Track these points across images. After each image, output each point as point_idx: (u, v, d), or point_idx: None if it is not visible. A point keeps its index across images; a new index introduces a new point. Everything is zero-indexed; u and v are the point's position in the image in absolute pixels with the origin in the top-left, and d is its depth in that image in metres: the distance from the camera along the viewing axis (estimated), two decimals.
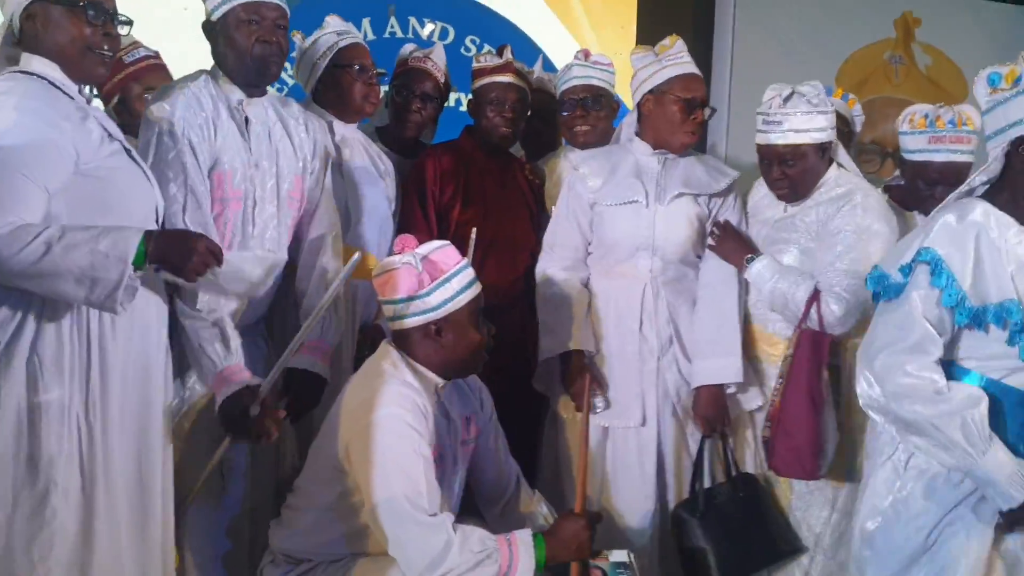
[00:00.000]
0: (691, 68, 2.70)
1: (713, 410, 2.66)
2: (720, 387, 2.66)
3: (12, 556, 1.84)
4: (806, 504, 2.64)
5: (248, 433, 2.18)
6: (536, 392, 2.89)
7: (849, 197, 2.52)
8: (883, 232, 2.49)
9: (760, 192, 2.76)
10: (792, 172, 2.56)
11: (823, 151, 2.58)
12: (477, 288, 2.27)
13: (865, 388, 2.06)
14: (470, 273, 2.27)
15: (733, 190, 2.81)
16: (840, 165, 2.64)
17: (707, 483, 2.71)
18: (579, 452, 2.40)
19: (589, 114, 2.96)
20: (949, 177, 2.60)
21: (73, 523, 1.89)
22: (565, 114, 2.99)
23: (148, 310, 2.03)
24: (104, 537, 1.93)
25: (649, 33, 3.90)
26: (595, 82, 2.98)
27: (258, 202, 2.35)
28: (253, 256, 2.15)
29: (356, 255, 2.20)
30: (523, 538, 2.14)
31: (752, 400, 2.71)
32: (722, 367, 2.66)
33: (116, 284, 1.80)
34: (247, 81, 2.34)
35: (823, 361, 2.45)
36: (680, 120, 2.67)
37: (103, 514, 1.93)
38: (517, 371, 2.87)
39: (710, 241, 2.72)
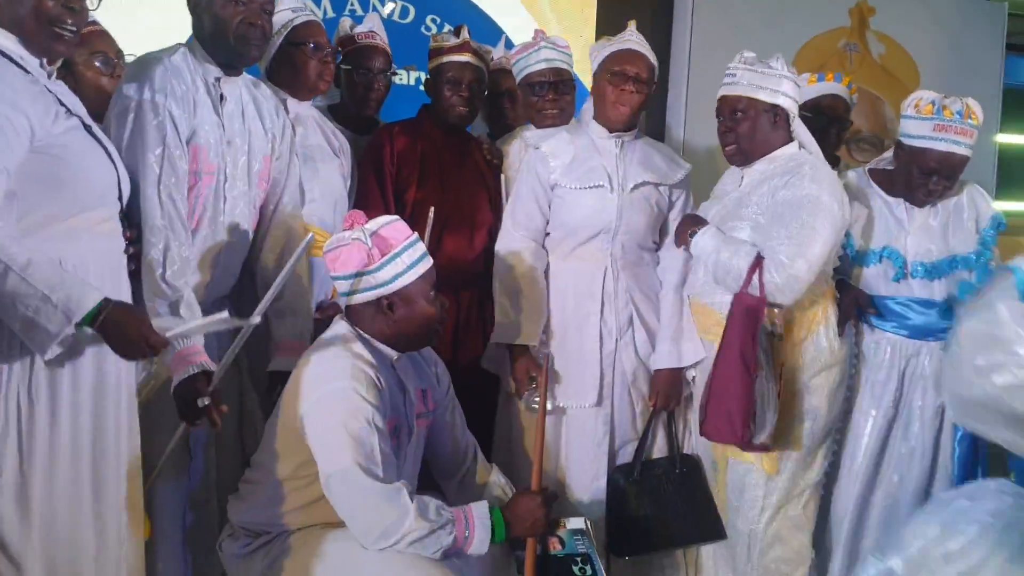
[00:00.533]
0: (629, 45, 2.73)
1: (670, 389, 2.75)
2: (679, 369, 2.75)
3: None
4: (739, 495, 2.66)
5: (197, 418, 2.19)
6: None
7: (798, 169, 2.53)
8: (830, 205, 2.48)
9: (725, 175, 2.81)
10: (739, 128, 2.59)
11: (775, 116, 2.58)
12: (428, 262, 2.29)
13: None
14: (420, 247, 2.28)
15: (688, 182, 2.87)
16: (802, 146, 2.63)
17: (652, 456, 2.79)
18: (536, 432, 2.44)
19: (560, 97, 2.97)
20: (947, 168, 2.63)
21: (8, 502, 1.88)
22: (535, 98, 2.99)
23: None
24: (43, 517, 1.92)
25: (609, 16, 3.93)
26: (562, 65, 2.99)
27: (229, 178, 2.36)
28: (202, 324, 2.11)
29: (308, 236, 2.22)
30: (479, 511, 2.17)
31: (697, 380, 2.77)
32: (682, 351, 2.75)
33: (52, 336, 1.80)
34: (226, 60, 2.34)
35: (757, 325, 2.46)
36: (611, 93, 2.70)
37: (41, 495, 1.91)
38: (474, 348, 2.90)
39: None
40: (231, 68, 2.36)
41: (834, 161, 3.02)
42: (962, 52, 4.07)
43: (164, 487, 2.33)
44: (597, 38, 3.84)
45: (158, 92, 2.19)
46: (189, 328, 2.05)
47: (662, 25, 3.98)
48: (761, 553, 2.64)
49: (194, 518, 2.43)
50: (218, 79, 2.34)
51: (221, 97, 2.35)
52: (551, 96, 2.97)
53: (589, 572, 2.28)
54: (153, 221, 2.17)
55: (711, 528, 2.71)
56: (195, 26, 2.35)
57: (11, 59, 1.86)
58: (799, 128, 2.63)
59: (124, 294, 2.04)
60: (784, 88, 2.56)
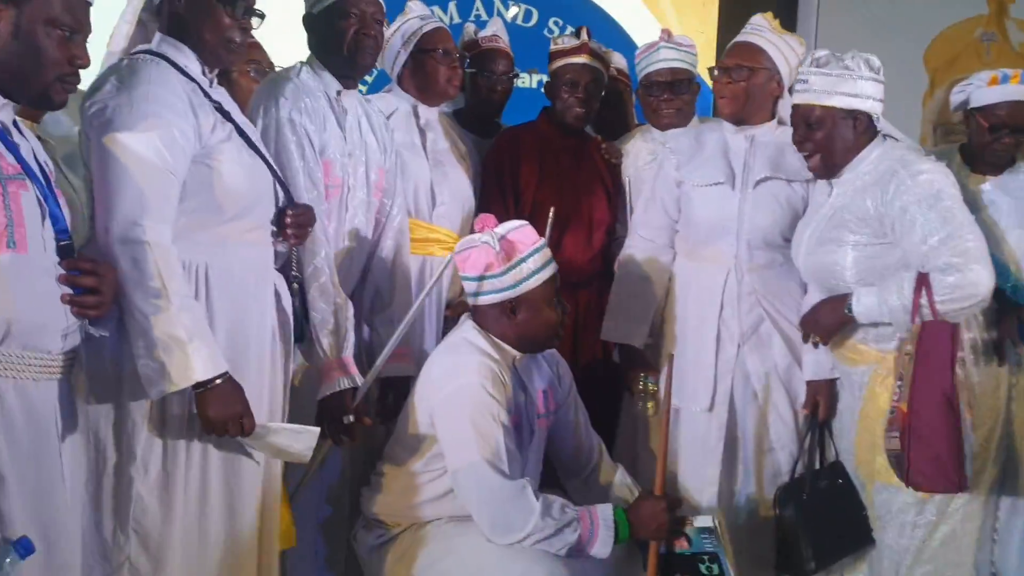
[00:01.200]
0: (741, 37, 2.69)
1: (828, 401, 2.63)
2: (832, 380, 2.62)
3: None
4: (888, 514, 2.49)
5: (337, 434, 2.28)
6: (614, 366, 2.94)
7: (894, 173, 2.33)
8: (945, 186, 2.30)
9: (814, 186, 2.62)
10: (816, 139, 2.40)
11: (855, 121, 2.39)
12: (553, 268, 2.34)
13: None
14: (546, 253, 2.34)
15: None
16: (887, 136, 2.44)
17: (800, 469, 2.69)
18: (659, 435, 2.44)
19: (676, 97, 2.97)
20: (1018, 119, 2.51)
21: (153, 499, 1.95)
22: (651, 98, 3.00)
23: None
24: (184, 518, 1.97)
25: (731, 13, 3.89)
26: (681, 64, 2.97)
27: (351, 188, 2.46)
28: (287, 431, 2.04)
29: (448, 258, 2.34)
30: (603, 513, 2.21)
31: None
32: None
33: (169, 383, 1.81)
34: (343, 72, 2.44)
35: (954, 353, 2.22)
36: (716, 89, 2.69)
37: (183, 497, 1.97)
38: (593, 346, 2.94)
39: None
40: (347, 80, 2.47)
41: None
42: None
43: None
44: (718, 36, 3.84)
45: (293, 110, 2.31)
46: (280, 429, 2.03)
47: (786, 21, 3.88)
48: (909, 570, 2.48)
49: (331, 511, 2.54)
50: (339, 93, 2.44)
51: (343, 110, 2.45)
52: (666, 96, 2.97)
53: (716, 571, 2.27)
54: (314, 232, 2.25)
55: (864, 537, 2.59)
56: (310, 42, 2.46)
57: (178, 67, 1.96)
58: (886, 125, 2.45)
59: (267, 304, 2.09)
60: (863, 89, 2.36)
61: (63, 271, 1.66)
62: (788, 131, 2.55)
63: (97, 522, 1.90)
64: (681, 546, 2.31)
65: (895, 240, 2.33)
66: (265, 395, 2.09)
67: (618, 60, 3.33)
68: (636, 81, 3.14)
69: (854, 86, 2.35)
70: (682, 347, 2.75)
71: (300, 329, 2.20)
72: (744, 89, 2.64)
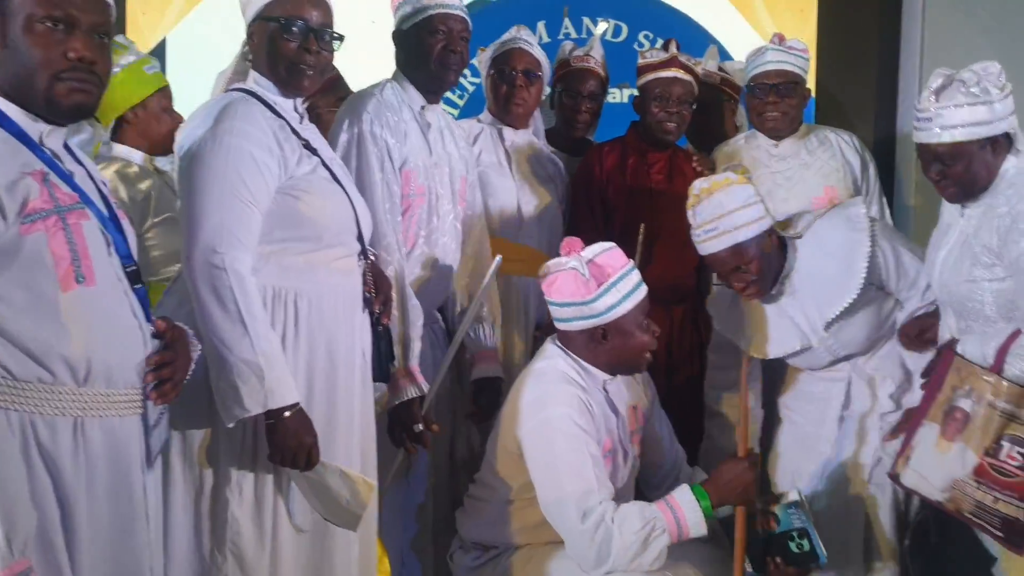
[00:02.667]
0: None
1: None
2: None
3: None
4: None
5: (412, 441, 2.32)
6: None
7: (1019, 214, 2.15)
8: None
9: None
10: (954, 172, 2.22)
11: (994, 144, 2.21)
12: (643, 291, 2.30)
13: None
14: (636, 276, 2.30)
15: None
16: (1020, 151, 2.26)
17: None
18: (740, 398, 2.40)
19: (782, 100, 2.90)
20: None
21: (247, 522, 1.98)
22: (756, 100, 2.94)
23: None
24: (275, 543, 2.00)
25: (831, 17, 3.77)
26: (789, 67, 2.90)
27: (439, 198, 2.51)
28: (344, 474, 1.99)
29: (497, 259, 2.37)
30: (681, 495, 2.18)
31: None
32: None
33: (243, 410, 1.84)
34: (429, 87, 2.51)
35: (943, 378, 2.19)
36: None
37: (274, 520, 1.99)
38: (688, 363, 2.90)
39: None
40: (432, 95, 2.53)
41: None
42: None
43: (388, 497, 2.45)
44: (819, 40, 3.72)
45: (375, 123, 2.38)
46: (335, 470, 1.98)
47: (890, 22, 3.76)
48: None
49: (418, 527, 2.57)
50: (423, 107, 2.51)
51: (427, 124, 2.51)
52: (771, 99, 2.90)
53: (807, 547, 2.20)
54: (387, 240, 2.34)
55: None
56: (398, 58, 2.54)
57: (267, 104, 2.02)
58: (1022, 138, 2.26)
59: (357, 331, 2.10)
60: (995, 113, 2.17)
61: (134, 300, 1.65)
62: None
63: (197, 544, 1.96)
64: (770, 527, 2.24)
65: (1015, 277, 2.17)
66: (356, 423, 2.12)
67: (728, 67, 3.29)
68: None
69: (985, 112, 2.17)
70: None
71: (386, 370, 2.22)
72: None
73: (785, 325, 2.52)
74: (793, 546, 2.21)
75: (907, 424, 2.31)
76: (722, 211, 2.40)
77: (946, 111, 2.18)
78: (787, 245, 2.53)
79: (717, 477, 2.22)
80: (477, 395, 2.63)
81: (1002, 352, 2.13)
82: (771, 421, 2.73)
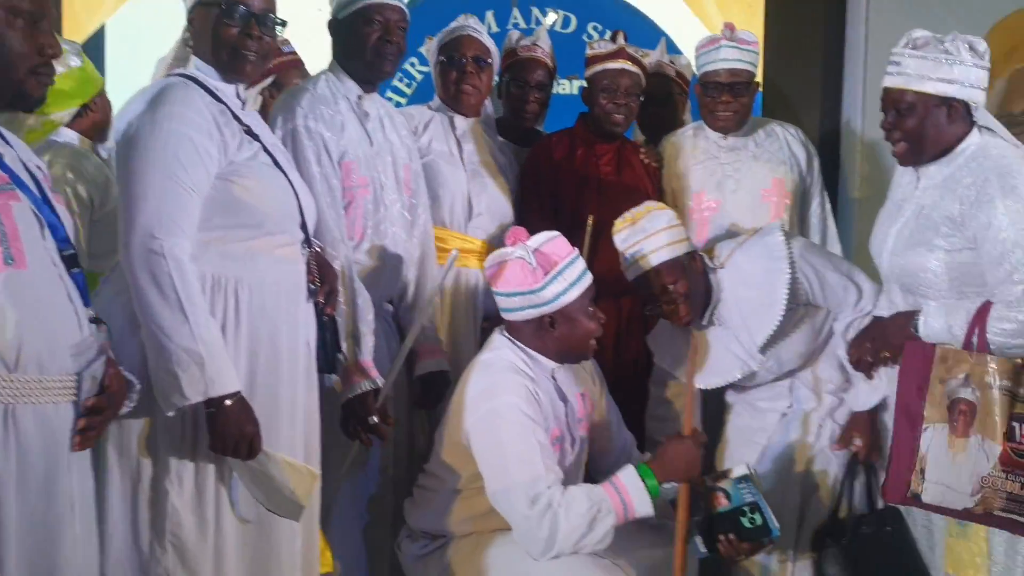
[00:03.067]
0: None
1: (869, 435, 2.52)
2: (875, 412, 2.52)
3: None
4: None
5: (367, 433, 2.30)
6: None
7: (987, 182, 2.14)
8: None
9: (898, 173, 2.43)
10: (906, 124, 2.22)
11: (951, 109, 2.21)
12: (589, 279, 2.31)
13: None
14: (581, 264, 2.31)
15: None
16: (984, 129, 2.26)
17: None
18: (687, 375, 2.42)
19: (735, 100, 2.91)
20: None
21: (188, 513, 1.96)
22: (708, 98, 2.94)
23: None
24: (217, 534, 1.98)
25: (778, 12, 3.80)
26: (742, 66, 2.90)
27: (384, 187, 2.48)
28: (288, 463, 1.98)
29: (453, 253, 2.36)
30: (626, 475, 2.19)
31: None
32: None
33: (183, 398, 1.82)
34: (365, 77, 2.48)
35: (925, 375, 2.14)
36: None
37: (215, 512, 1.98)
38: (635, 352, 2.90)
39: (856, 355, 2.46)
40: (369, 85, 2.50)
41: None
42: None
43: (343, 486, 2.45)
44: (766, 33, 3.75)
45: (309, 117, 2.35)
46: (279, 459, 1.96)
47: (836, 16, 3.81)
48: None
49: (370, 516, 2.55)
50: (360, 97, 2.48)
51: (365, 114, 2.48)
52: (724, 98, 2.91)
53: (759, 521, 2.21)
54: (332, 235, 2.31)
55: None
56: (334, 48, 2.51)
57: (208, 89, 2.00)
58: (984, 116, 2.28)
59: (301, 320, 2.08)
60: (961, 76, 2.18)
61: (71, 284, 1.61)
62: None
63: (135, 536, 1.92)
64: (721, 504, 2.25)
65: (977, 249, 2.17)
66: (300, 413, 2.09)
67: (679, 61, 3.32)
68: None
69: (951, 71, 2.17)
70: None
71: (332, 360, 2.20)
72: None
73: (723, 355, 2.57)
74: (746, 521, 2.22)
75: (900, 440, 2.19)
76: (645, 234, 2.47)
77: (913, 60, 2.20)
78: (710, 276, 2.56)
79: (662, 454, 2.24)
80: (424, 389, 2.62)
81: (980, 330, 2.13)
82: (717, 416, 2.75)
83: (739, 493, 2.24)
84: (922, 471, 2.13)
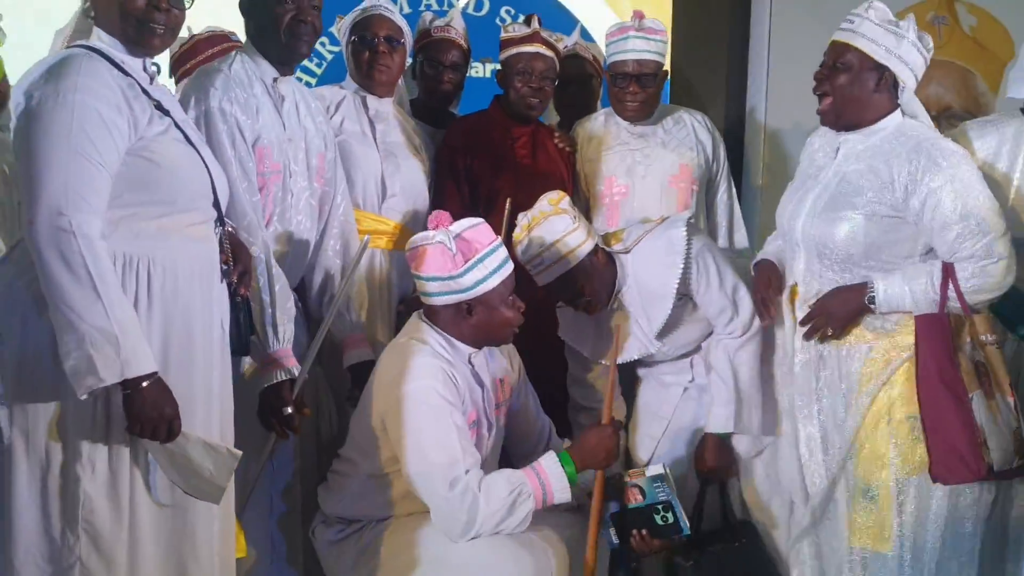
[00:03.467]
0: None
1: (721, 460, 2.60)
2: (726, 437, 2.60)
3: None
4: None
5: (282, 424, 2.28)
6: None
7: (921, 149, 2.24)
8: (974, 173, 2.24)
9: (812, 143, 2.53)
10: (837, 80, 2.30)
11: (881, 78, 2.29)
12: (509, 267, 2.33)
13: None
14: (503, 252, 2.32)
15: None
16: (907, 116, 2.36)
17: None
18: (610, 362, 2.45)
19: (642, 90, 2.95)
20: None
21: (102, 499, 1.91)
22: (616, 88, 2.97)
23: None
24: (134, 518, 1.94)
25: (686, 2, 3.88)
26: (650, 56, 2.93)
27: (293, 174, 2.43)
28: (207, 445, 1.94)
29: (365, 239, 2.33)
30: (547, 461, 2.24)
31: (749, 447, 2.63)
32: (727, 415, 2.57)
33: (98, 380, 1.76)
34: (279, 59, 2.42)
35: (949, 343, 2.19)
36: None
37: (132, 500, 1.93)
38: (549, 334, 2.91)
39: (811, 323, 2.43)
40: (284, 67, 2.44)
41: None
42: None
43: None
44: (674, 22, 3.83)
45: (224, 99, 2.28)
46: (198, 442, 1.93)
47: (741, 6, 3.91)
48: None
49: (287, 507, 2.52)
50: (275, 79, 2.42)
51: (280, 97, 2.43)
52: (632, 88, 2.95)
53: (671, 519, 2.27)
54: (249, 219, 2.26)
55: None
56: (247, 28, 2.45)
57: (113, 63, 1.92)
58: (911, 101, 2.35)
59: (215, 301, 2.05)
60: (903, 52, 2.27)
61: None
62: None
63: (45, 524, 1.86)
64: (635, 499, 2.30)
65: (914, 220, 2.25)
66: (215, 395, 2.06)
67: (594, 48, 3.34)
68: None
69: (896, 44, 2.27)
70: None
71: (246, 343, 2.17)
72: None
73: (625, 335, 2.63)
74: (658, 519, 2.28)
75: (945, 417, 2.18)
76: (543, 246, 2.47)
77: (867, 23, 2.28)
78: (615, 260, 2.60)
79: (582, 443, 2.29)
80: (354, 380, 2.58)
81: (956, 291, 2.20)
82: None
83: (654, 491, 2.30)
84: (984, 441, 2.14)
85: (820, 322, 2.36)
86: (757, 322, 2.54)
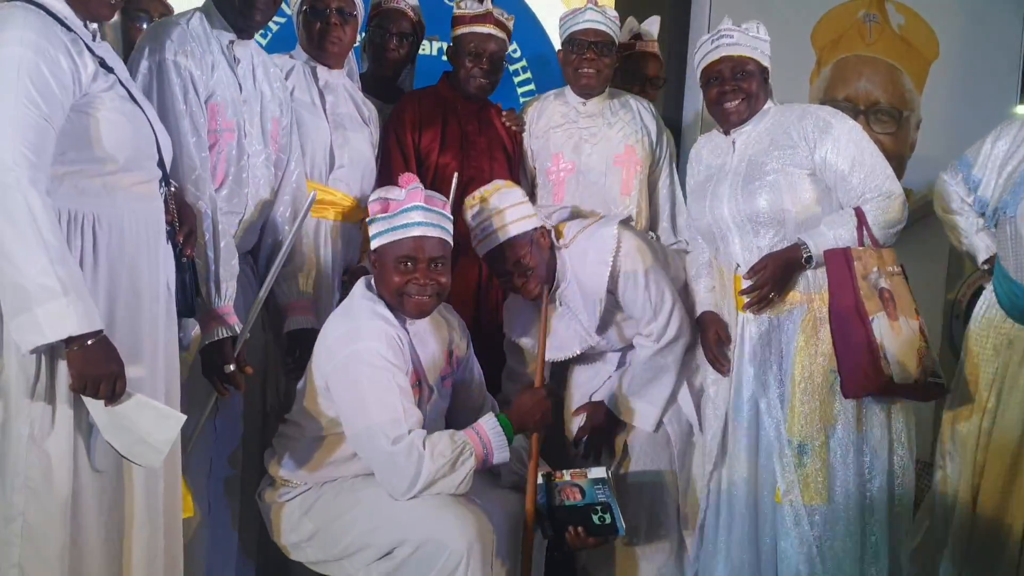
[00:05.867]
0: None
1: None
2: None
3: None
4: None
5: (220, 382, 2.28)
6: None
7: (808, 113, 2.56)
8: (856, 126, 2.55)
9: (700, 149, 2.80)
10: (750, 86, 2.59)
11: (765, 74, 2.63)
12: (411, 232, 2.30)
13: None
14: (415, 216, 2.31)
15: None
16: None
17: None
18: (539, 331, 2.49)
19: (598, 58, 2.97)
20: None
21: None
22: (573, 56, 3.00)
23: None
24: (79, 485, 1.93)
25: None
26: (606, 29, 2.98)
27: (248, 135, 2.43)
28: (151, 407, 1.91)
29: (311, 195, 2.35)
30: (487, 422, 2.29)
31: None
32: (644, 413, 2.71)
33: (43, 336, 1.75)
34: (237, 24, 2.41)
35: (852, 273, 2.40)
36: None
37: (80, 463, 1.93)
38: (494, 309, 2.97)
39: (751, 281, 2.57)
40: (243, 32, 2.44)
41: None
42: (983, 23, 4.05)
43: (196, 447, 2.39)
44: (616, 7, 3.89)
45: (179, 53, 2.27)
46: (145, 404, 1.90)
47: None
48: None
49: (232, 470, 2.51)
50: (232, 42, 2.42)
51: (235, 59, 2.43)
52: (589, 55, 2.97)
53: (608, 520, 2.33)
54: (197, 174, 2.25)
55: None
56: None
57: (56, 18, 1.88)
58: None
59: (161, 261, 2.04)
60: (766, 49, 2.63)
61: None
62: None
63: None
64: (574, 498, 2.35)
65: (820, 172, 2.52)
66: (160, 356, 2.04)
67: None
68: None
69: (764, 46, 2.63)
70: None
71: (191, 304, 2.16)
72: None
73: (565, 331, 2.71)
74: (596, 519, 2.34)
75: (852, 338, 2.39)
76: (494, 211, 2.56)
77: (741, 35, 2.61)
78: (556, 253, 2.67)
79: (518, 404, 2.34)
80: (291, 347, 2.59)
81: (867, 230, 2.46)
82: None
83: (594, 492, 2.35)
84: (884, 356, 2.35)
85: (764, 291, 2.52)
86: (673, 333, 2.65)
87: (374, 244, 2.33)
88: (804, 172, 2.53)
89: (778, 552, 2.51)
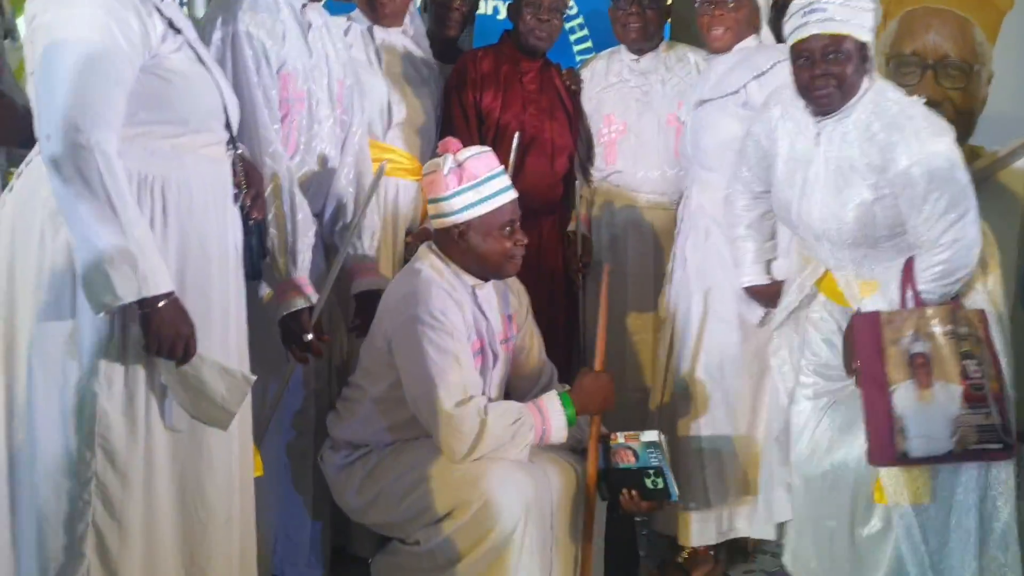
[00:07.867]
0: None
1: None
2: None
3: None
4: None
5: (299, 351, 2.30)
6: (574, 294, 2.96)
7: (897, 127, 2.20)
8: (955, 158, 2.22)
9: (775, 124, 2.43)
10: (844, 70, 2.21)
11: (864, 58, 2.24)
12: (506, 197, 2.31)
13: None
14: (501, 182, 2.31)
15: None
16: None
17: None
18: (600, 314, 2.45)
19: (644, 12, 2.91)
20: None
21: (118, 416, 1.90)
22: (619, 11, 2.94)
23: None
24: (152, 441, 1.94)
25: None
26: None
27: (319, 101, 2.42)
28: (222, 369, 1.92)
29: (382, 165, 2.33)
30: (550, 399, 2.28)
31: None
32: None
33: (116, 298, 1.74)
34: None
35: (879, 339, 2.22)
36: None
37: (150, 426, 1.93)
38: (554, 273, 2.96)
39: None
40: None
41: None
42: None
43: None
44: None
45: (251, 24, 2.26)
46: (213, 364, 1.91)
47: None
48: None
49: (296, 433, 2.54)
50: (304, 5, 2.40)
51: (308, 24, 2.41)
52: (634, 9, 2.91)
53: (660, 484, 2.32)
54: (273, 147, 2.26)
55: None
56: None
57: None
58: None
59: (230, 223, 2.03)
60: (869, 21, 2.21)
61: None
62: None
63: (64, 440, 1.85)
64: (628, 460, 2.34)
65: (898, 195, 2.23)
66: (232, 318, 2.05)
67: None
68: None
69: (866, 18, 2.21)
70: None
71: (257, 267, 2.15)
72: None
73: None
74: (649, 482, 2.32)
75: (874, 407, 2.24)
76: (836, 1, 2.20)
77: (838, 7, 2.19)
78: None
79: (580, 387, 2.31)
80: (360, 309, 2.58)
81: (911, 286, 2.24)
82: None
83: (647, 455, 2.33)
84: (902, 430, 2.20)
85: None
86: None
87: (465, 216, 2.27)
88: (893, 197, 2.23)
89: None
